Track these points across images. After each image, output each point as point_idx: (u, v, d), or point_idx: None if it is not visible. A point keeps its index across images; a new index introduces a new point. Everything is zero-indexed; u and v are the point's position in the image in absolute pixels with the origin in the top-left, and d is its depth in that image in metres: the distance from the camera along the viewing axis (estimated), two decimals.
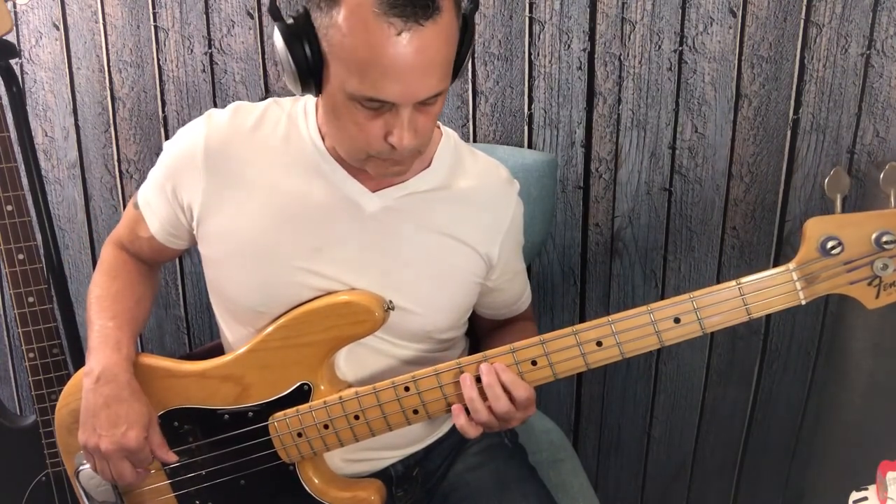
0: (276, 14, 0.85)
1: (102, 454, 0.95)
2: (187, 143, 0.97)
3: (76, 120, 1.68)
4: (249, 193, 0.96)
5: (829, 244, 0.84)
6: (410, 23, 0.77)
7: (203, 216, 0.97)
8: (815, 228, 0.85)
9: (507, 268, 1.08)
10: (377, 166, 0.90)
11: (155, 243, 1.05)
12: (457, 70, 0.88)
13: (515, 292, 1.14)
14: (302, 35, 0.83)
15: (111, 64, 1.63)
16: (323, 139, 0.96)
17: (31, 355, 1.29)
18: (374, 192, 0.97)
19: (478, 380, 0.91)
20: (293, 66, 0.84)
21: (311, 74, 0.85)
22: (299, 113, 0.98)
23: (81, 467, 1.01)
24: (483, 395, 0.90)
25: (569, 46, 1.46)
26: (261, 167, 0.96)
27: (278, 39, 0.84)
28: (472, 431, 0.92)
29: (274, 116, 0.99)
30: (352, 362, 1.00)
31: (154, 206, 1.02)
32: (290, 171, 0.96)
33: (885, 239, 0.83)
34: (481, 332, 1.18)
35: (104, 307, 1.02)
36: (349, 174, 0.96)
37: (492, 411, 0.90)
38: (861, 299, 0.86)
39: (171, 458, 0.98)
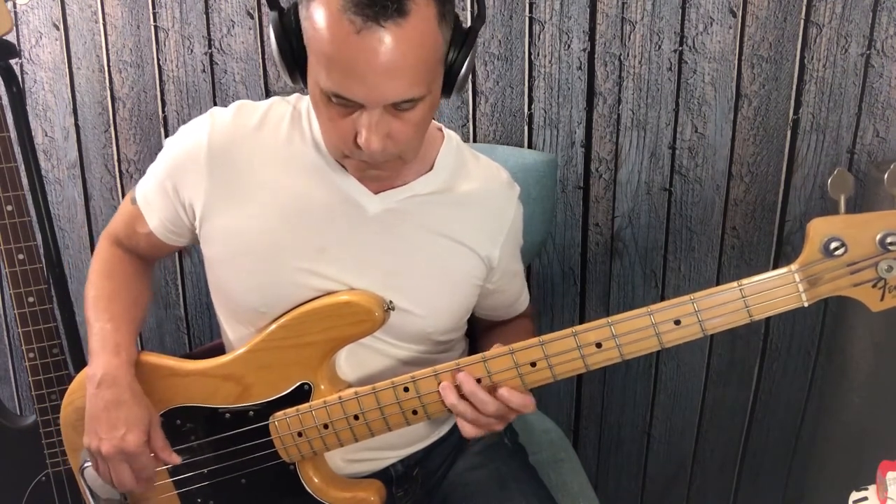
0: (273, 3, 0.86)
1: (103, 457, 0.95)
2: (190, 142, 0.97)
3: (76, 120, 1.68)
4: (253, 194, 0.96)
5: (833, 245, 0.81)
6: (370, 22, 0.77)
7: (205, 216, 0.97)
8: (819, 229, 0.82)
9: (507, 269, 1.08)
10: (354, 166, 0.91)
11: (154, 239, 1.04)
12: (451, 81, 0.87)
13: (514, 293, 1.14)
14: (288, 26, 0.85)
15: (111, 64, 1.63)
16: None
17: (31, 355, 1.29)
18: (375, 193, 0.97)
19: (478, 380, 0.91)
20: (278, 56, 0.86)
21: (295, 65, 0.86)
22: (303, 112, 0.98)
23: (86, 464, 1.02)
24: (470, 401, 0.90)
25: (569, 46, 1.46)
26: (264, 167, 0.96)
27: (270, 29, 0.86)
28: (469, 430, 0.92)
29: (277, 115, 0.98)
30: (352, 362, 1.00)
31: (153, 202, 1.02)
32: (294, 172, 0.96)
33: (889, 240, 0.80)
34: (479, 332, 1.18)
35: (101, 308, 1.02)
36: (351, 175, 0.96)
37: (482, 413, 0.90)
38: (865, 302, 0.84)
39: (175, 459, 0.98)
